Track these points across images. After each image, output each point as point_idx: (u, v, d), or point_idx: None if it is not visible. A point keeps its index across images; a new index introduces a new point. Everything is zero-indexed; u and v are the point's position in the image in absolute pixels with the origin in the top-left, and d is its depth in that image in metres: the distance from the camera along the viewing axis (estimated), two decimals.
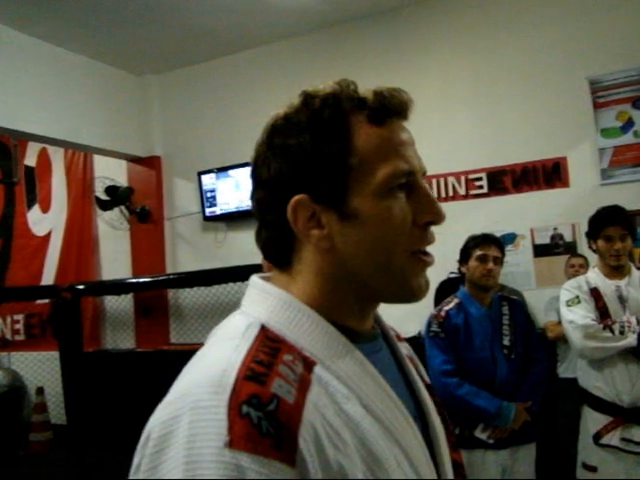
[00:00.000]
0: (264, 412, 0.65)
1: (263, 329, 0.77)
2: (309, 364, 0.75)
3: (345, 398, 0.75)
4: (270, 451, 0.63)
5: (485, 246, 3.07)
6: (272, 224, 0.85)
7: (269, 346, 0.74)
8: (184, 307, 6.41)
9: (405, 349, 1.00)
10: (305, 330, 0.79)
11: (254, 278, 0.88)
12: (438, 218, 0.84)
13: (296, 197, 0.80)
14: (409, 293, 0.85)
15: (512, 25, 5.25)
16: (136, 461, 0.70)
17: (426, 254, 0.85)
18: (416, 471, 0.79)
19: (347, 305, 0.84)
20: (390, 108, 0.83)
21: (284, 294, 0.82)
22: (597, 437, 2.86)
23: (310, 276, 0.83)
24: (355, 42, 5.74)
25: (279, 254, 0.86)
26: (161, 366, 5.70)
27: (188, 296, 6.31)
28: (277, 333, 0.77)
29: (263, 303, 0.82)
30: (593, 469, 2.88)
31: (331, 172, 0.80)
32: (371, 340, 0.88)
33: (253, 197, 0.88)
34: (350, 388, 0.76)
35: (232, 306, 5.55)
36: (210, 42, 6.00)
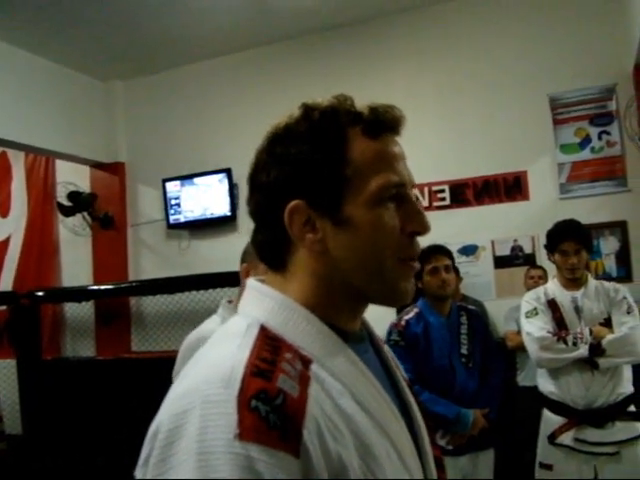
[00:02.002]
0: (272, 406, 0.69)
1: (262, 329, 0.82)
2: (306, 362, 0.79)
3: (340, 394, 0.79)
4: (277, 443, 0.67)
5: (433, 259, 3.13)
6: (268, 227, 0.90)
7: (270, 345, 0.79)
8: (146, 315, 6.35)
9: (388, 351, 1.05)
10: (302, 330, 0.83)
11: (251, 281, 0.93)
12: (424, 229, 0.90)
13: (293, 202, 0.85)
14: (397, 296, 0.91)
15: (475, 41, 5.36)
16: (144, 454, 0.73)
17: (412, 260, 0.90)
18: (403, 463, 0.84)
19: (339, 306, 0.89)
20: (384, 123, 0.89)
21: (281, 296, 0.87)
22: (552, 437, 2.99)
23: (304, 278, 0.88)
24: (320, 54, 5.79)
25: (274, 256, 0.91)
26: (122, 374, 5.67)
27: (151, 304, 6.24)
28: (275, 333, 0.82)
29: (261, 304, 0.87)
30: (549, 467, 3.01)
31: (327, 181, 0.85)
32: (360, 341, 0.93)
33: (250, 201, 0.93)
34: (344, 384, 0.81)
35: (195, 314, 5.54)
36: (177, 49, 5.99)
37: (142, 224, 6.52)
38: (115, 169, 6.57)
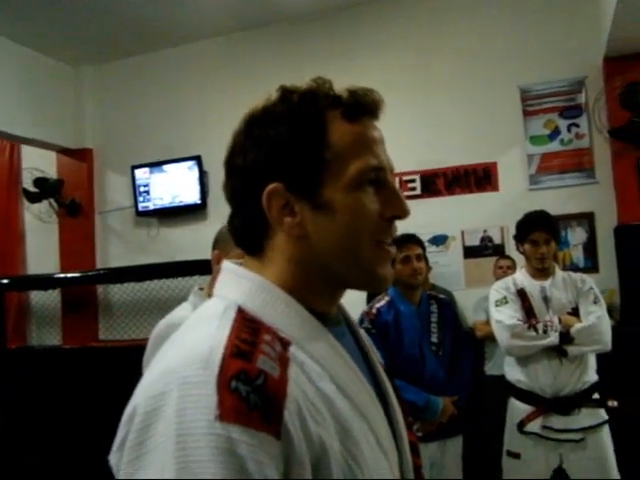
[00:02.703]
0: (252, 386, 0.68)
1: (240, 311, 0.80)
2: (285, 344, 0.78)
3: (319, 377, 0.79)
4: (259, 424, 0.66)
5: (405, 247, 3.15)
6: (245, 211, 0.89)
7: (249, 326, 0.77)
8: (114, 303, 6.28)
9: (364, 335, 1.05)
10: (280, 312, 0.82)
11: (227, 264, 0.91)
12: (403, 213, 0.89)
13: (271, 185, 0.83)
14: (375, 282, 0.90)
15: (446, 33, 5.37)
16: (119, 437, 0.72)
17: (389, 244, 0.90)
18: (380, 445, 0.84)
19: (317, 290, 0.88)
20: (363, 106, 0.88)
21: (259, 278, 0.86)
22: (520, 425, 3.02)
23: (282, 262, 0.87)
24: (292, 43, 5.76)
25: (251, 240, 0.90)
26: (89, 363, 5.61)
27: (119, 292, 6.19)
28: (253, 315, 0.80)
29: (238, 287, 0.85)
30: (517, 455, 3.04)
31: (306, 164, 0.84)
32: (337, 324, 0.92)
33: (227, 185, 0.91)
34: (323, 367, 0.80)
35: (165, 302, 5.51)
36: (147, 35, 5.91)
37: (110, 211, 6.44)
38: (83, 155, 6.48)
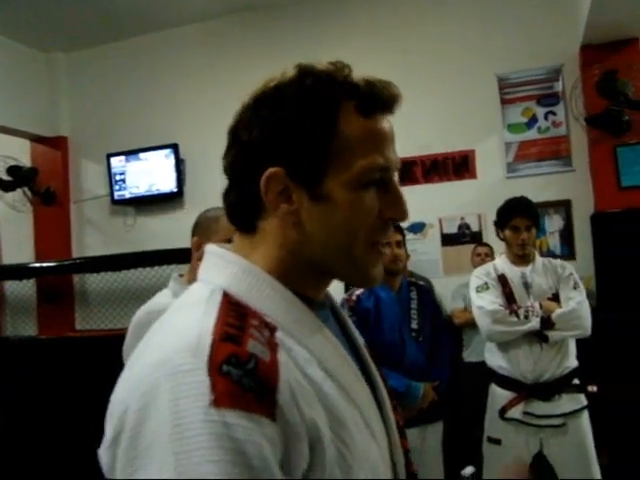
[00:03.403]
0: (244, 370, 0.67)
1: (226, 295, 0.79)
2: (271, 329, 0.77)
3: (307, 362, 0.77)
4: (253, 406, 0.65)
5: None
6: (242, 188, 0.86)
7: (235, 311, 0.76)
8: (90, 293, 6.23)
9: (347, 319, 1.04)
10: (266, 296, 0.81)
11: (212, 247, 0.89)
12: (402, 217, 0.88)
13: (272, 169, 0.81)
14: (365, 280, 0.90)
15: (424, 20, 5.38)
16: (111, 433, 0.69)
17: (383, 245, 0.89)
18: (370, 430, 0.83)
19: (305, 277, 0.86)
20: (380, 101, 0.85)
21: (244, 261, 0.84)
22: (502, 412, 3.03)
23: (272, 247, 0.85)
24: (271, 29, 5.72)
25: (245, 219, 0.88)
26: (65, 353, 5.55)
27: (95, 281, 6.13)
28: (239, 299, 0.79)
29: (223, 271, 0.83)
30: (497, 441, 3.06)
31: (312, 152, 0.81)
32: (322, 309, 0.91)
33: (227, 155, 0.88)
34: (311, 352, 0.79)
35: (142, 292, 5.47)
36: (124, 21, 5.82)
37: (86, 200, 6.37)
38: (57, 143, 6.38)
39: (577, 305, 2.98)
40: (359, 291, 3.19)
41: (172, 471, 0.61)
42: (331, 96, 0.82)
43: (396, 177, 0.89)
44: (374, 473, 0.80)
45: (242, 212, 0.88)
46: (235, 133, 0.86)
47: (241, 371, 0.66)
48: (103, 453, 0.71)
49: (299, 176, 0.82)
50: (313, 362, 0.78)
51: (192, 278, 2.15)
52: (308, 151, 0.81)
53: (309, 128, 0.81)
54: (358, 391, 0.85)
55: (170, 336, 0.73)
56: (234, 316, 0.74)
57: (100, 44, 6.29)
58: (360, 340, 1.01)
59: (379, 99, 0.85)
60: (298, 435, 0.68)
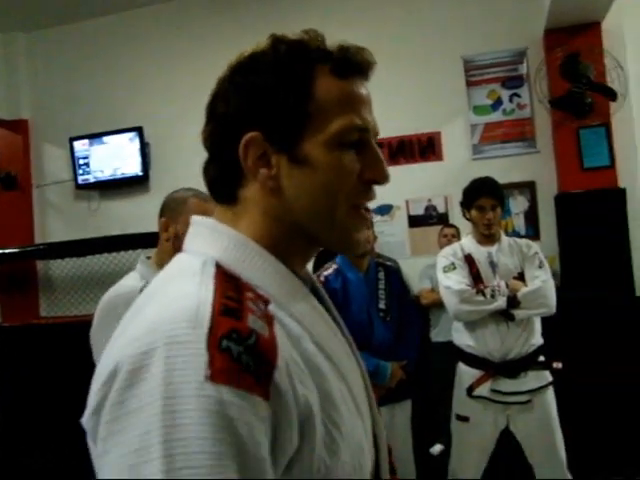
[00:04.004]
0: (244, 346, 0.66)
1: (218, 267, 0.77)
2: (264, 302, 0.76)
3: (299, 336, 0.77)
4: (250, 385, 0.64)
5: None
6: (221, 159, 0.86)
7: (231, 282, 0.75)
8: (55, 279, 6.14)
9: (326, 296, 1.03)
10: (258, 268, 0.80)
11: (198, 218, 0.88)
12: (383, 178, 0.86)
13: (250, 134, 0.81)
14: (349, 245, 0.88)
15: (391, 2, 5.37)
16: (97, 399, 0.67)
17: (366, 209, 0.88)
18: (357, 406, 0.83)
19: (289, 248, 0.86)
20: (354, 64, 0.85)
21: (234, 232, 0.83)
22: (470, 390, 3.07)
23: (256, 216, 0.84)
24: (234, 9, 5.66)
25: (225, 190, 0.87)
26: (30, 340, 5.48)
27: (59, 267, 6.04)
28: (232, 271, 0.78)
29: (213, 241, 0.82)
30: (465, 419, 3.09)
31: (288, 115, 0.81)
32: (305, 284, 0.90)
33: (205, 130, 0.88)
34: (303, 326, 0.78)
35: (108, 277, 5.41)
36: (86, 1, 5.71)
37: (48, 184, 6.26)
38: (17, 126, 6.25)
39: (542, 284, 3.02)
40: (327, 272, 3.19)
41: (159, 443, 0.60)
42: (305, 60, 0.83)
43: (377, 145, 0.89)
44: (358, 451, 0.80)
45: (222, 183, 0.87)
46: (212, 106, 0.86)
47: (241, 347, 0.65)
48: (87, 419, 0.69)
49: (277, 140, 0.81)
50: (305, 336, 0.78)
51: (160, 259, 2.14)
52: (284, 114, 0.81)
53: (284, 91, 0.81)
54: (346, 365, 0.84)
55: (167, 305, 0.70)
56: (231, 288, 0.73)
57: (61, 24, 6.16)
58: (339, 317, 1.00)
59: (354, 62, 0.85)
60: (290, 416, 0.67)
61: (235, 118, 0.82)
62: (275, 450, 0.66)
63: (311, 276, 0.99)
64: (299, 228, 0.84)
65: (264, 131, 0.81)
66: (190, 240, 0.86)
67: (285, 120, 0.81)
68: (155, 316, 0.69)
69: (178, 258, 0.84)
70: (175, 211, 2.09)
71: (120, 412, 0.63)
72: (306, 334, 0.78)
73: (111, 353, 0.70)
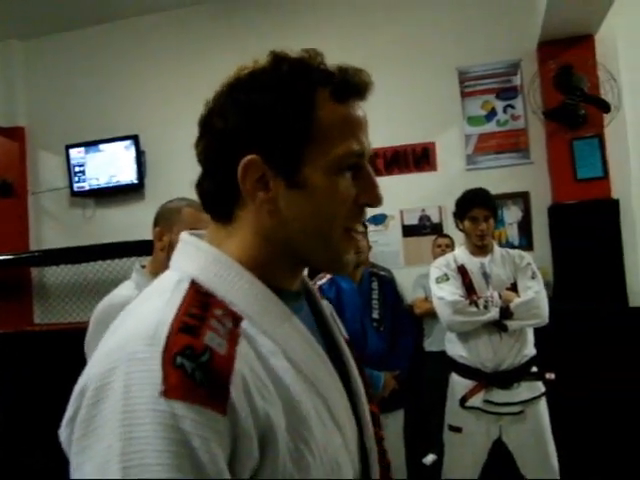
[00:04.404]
0: (197, 363, 0.67)
1: (193, 284, 0.79)
2: (237, 319, 0.77)
3: (270, 353, 0.77)
4: (204, 400, 0.65)
5: None
6: (217, 176, 0.86)
7: (200, 300, 0.76)
8: (50, 286, 6.13)
9: (327, 307, 1.04)
10: (233, 286, 0.81)
11: (185, 235, 0.89)
12: (376, 202, 0.89)
13: (249, 157, 0.81)
14: (339, 266, 0.89)
15: (387, 14, 5.40)
16: (70, 412, 0.70)
17: (357, 232, 0.90)
18: (336, 421, 0.83)
19: (277, 266, 0.87)
20: (354, 87, 0.86)
21: (215, 250, 0.84)
22: (463, 400, 3.07)
23: (248, 234, 0.85)
24: (233, 18, 5.68)
25: (220, 208, 0.87)
26: (24, 347, 5.46)
27: (54, 274, 6.03)
28: (207, 288, 0.79)
29: (194, 259, 0.84)
30: (458, 430, 3.10)
31: (290, 138, 0.81)
32: (296, 298, 0.91)
33: (199, 144, 0.88)
34: (276, 343, 0.79)
35: (102, 284, 5.40)
36: (83, 10, 5.72)
37: (44, 192, 6.26)
38: (14, 134, 6.24)
39: (535, 294, 3.03)
40: (321, 282, 3.21)
41: (117, 456, 0.62)
42: (308, 82, 0.83)
43: (371, 169, 0.90)
44: (333, 465, 0.81)
45: (218, 200, 0.87)
46: (208, 121, 0.86)
47: (194, 364, 0.67)
48: (63, 430, 0.72)
49: (276, 163, 0.82)
50: (277, 352, 0.78)
51: (154, 269, 2.15)
52: (286, 138, 0.81)
53: (287, 114, 0.81)
54: (326, 382, 0.85)
55: (132, 323, 0.73)
56: (197, 306, 0.75)
57: (58, 32, 6.17)
58: (338, 330, 1.01)
59: (353, 85, 0.85)
60: (248, 431, 0.68)
61: (233, 136, 0.82)
62: (235, 464, 0.68)
63: (309, 288, 1.00)
64: (290, 249, 0.86)
65: (263, 153, 0.81)
66: (174, 257, 0.88)
67: (286, 143, 0.81)
68: (122, 335, 0.72)
69: (162, 275, 0.86)
70: (169, 220, 2.10)
71: (88, 429, 0.66)
72: (279, 351, 0.79)
73: (86, 369, 0.73)
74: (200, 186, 0.89)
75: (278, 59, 0.84)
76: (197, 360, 0.67)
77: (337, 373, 0.90)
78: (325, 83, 0.84)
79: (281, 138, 0.81)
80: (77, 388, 0.71)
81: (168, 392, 0.64)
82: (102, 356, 0.71)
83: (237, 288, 0.81)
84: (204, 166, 0.88)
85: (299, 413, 0.77)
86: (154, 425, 0.63)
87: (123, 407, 0.64)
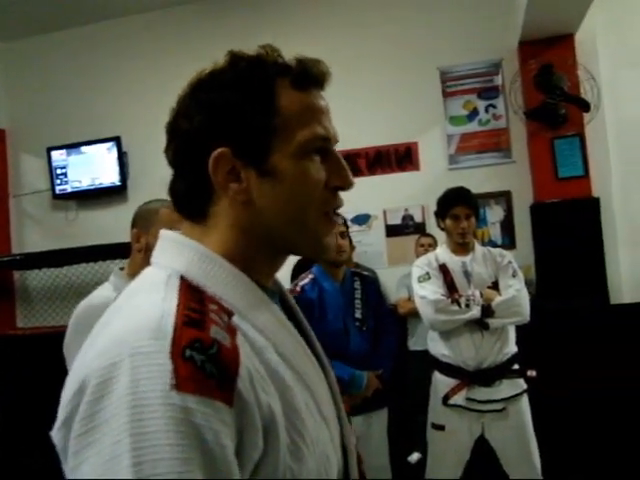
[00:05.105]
0: (207, 355, 0.67)
1: (183, 280, 0.79)
2: (228, 314, 0.78)
3: (263, 347, 0.79)
4: (214, 392, 0.66)
5: None
6: (188, 175, 0.87)
7: (195, 295, 0.77)
8: (32, 289, 6.09)
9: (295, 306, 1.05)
10: (222, 281, 0.82)
11: (166, 232, 0.89)
12: (347, 184, 0.90)
13: (219, 150, 0.82)
14: (321, 249, 0.91)
15: (368, 14, 5.41)
16: (65, 413, 0.69)
17: (336, 214, 0.91)
18: (322, 414, 0.85)
19: (258, 260, 0.88)
20: (312, 76, 0.88)
21: (200, 246, 0.84)
22: (445, 398, 3.09)
23: (225, 229, 0.86)
24: (214, 20, 5.67)
25: (194, 206, 0.88)
26: (7, 351, 5.42)
27: (37, 277, 6.00)
28: (196, 284, 0.79)
29: (179, 255, 0.84)
30: (441, 428, 3.12)
31: (255, 130, 0.83)
32: (272, 297, 0.92)
33: (169, 149, 0.89)
34: (266, 337, 0.80)
35: (85, 287, 5.36)
36: (64, 11, 5.69)
37: (25, 194, 6.22)
38: None
39: (516, 293, 3.05)
40: (303, 282, 3.20)
41: (128, 452, 0.61)
42: (266, 74, 0.85)
43: (339, 153, 0.92)
44: (324, 458, 0.82)
45: (191, 199, 0.88)
46: (175, 125, 0.88)
47: (204, 356, 0.67)
48: (56, 433, 0.71)
49: (245, 154, 0.83)
50: (269, 346, 0.79)
51: (132, 270, 2.15)
52: (251, 129, 0.83)
53: (249, 107, 0.83)
54: (313, 376, 0.87)
55: (131, 318, 0.73)
56: (195, 300, 0.75)
57: (39, 34, 6.13)
58: (309, 328, 1.02)
59: (312, 74, 0.88)
60: (253, 422, 0.69)
61: (200, 135, 0.84)
62: (241, 455, 0.68)
63: (281, 287, 1.01)
64: (268, 238, 0.87)
65: (232, 146, 0.83)
66: (157, 254, 0.88)
67: (252, 135, 0.83)
68: (121, 329, 0.71)
69: (145, 272, 0.86)
70: (147, 222, 2.10)
71: (90, 425, 0.65)
72: (269, 345, 0.80)
73: (79, 367, 0.71)
74: (173, 188, 0.90)
75: (235, 57, 0.86)
76: (206, 352, 0.67)
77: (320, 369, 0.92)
78: (284, 74, 0.86)
79: (246, 130, 0.83)
80: (72, 387, 0.69)
81: (180, 385, 0.64)
82: (100, 351, 0.69)
83: (224, 283, 0.82)
84: (175, 168, 0.89)
85: (293, 406, 0.78)
86: (166, 419, 0.62)
87: (131, 402, 0.63)
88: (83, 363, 0.71)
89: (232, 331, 0.74)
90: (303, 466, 0.76)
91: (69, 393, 0.69)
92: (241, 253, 0.86)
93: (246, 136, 0.83)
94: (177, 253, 0.85)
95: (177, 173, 0.89)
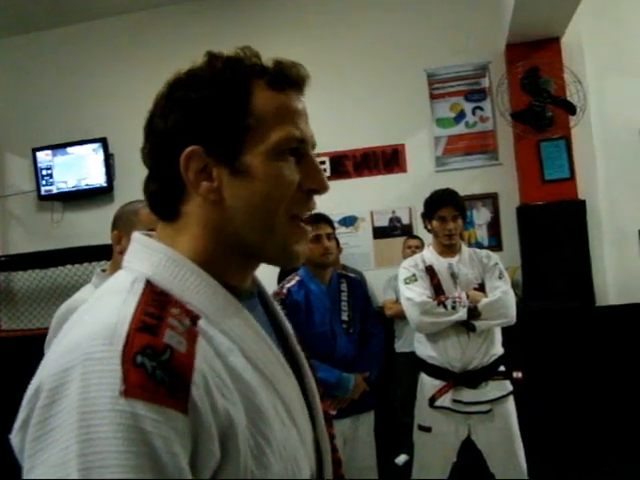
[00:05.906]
0: (158, 362, 0.67)
1: (148, 284, 0.78)
2: (194, 318, 0.77)
3: (229, 351, 0.78)
4: (165, 399, 0.65)
5: (315, 227, 3.13)
6: (162, 175, 0.86)
7: (157, 300, 0.76)
8: (17, 291, 6.04)
9: (277, 307, 1.04)
10: (189, 285, 0.81)
11: (136, 235, 0.89)
12: (322, 188, 0.89)
13: (190, 148, 0.82)
14: (287, 257, 0.89)
15: (355, 16, 5.42)
16: (22, 415, 0.69)
17: (304, 219, 0.89)
18: (293, 419, 0.84)
19: (229, 261, 0.87)
20: (289, 78, 0.87)
21: (168, 250, 0.84)
22: (432, 400, 3.09)
23: (197, 229, 0.85)
24: (201, 20, 5.66)
25: (167, 205, 0.87)
26: None
27: (21, 279, 5.95)
28: (162, 288, 0.79)
29: (147, 259, 0.83)
30: (428, 429, 3.11)
31: (227, 128, 0.83)
32: (249, 298, 0.91)
33: (144, 147, 0.88)
34: (233, 341, 0.79)
35: (71, 289, 5.32)
36: (50, 10, 5.66)
37: (10, 195, 6.17)
38: None
39: (502, 294, 3.06)
40: (289, 284, 3.19)
41: (75, 458, 0.61)
42: (241, 73, 0.84)
43: (315, 156, 0.91)
44: (292, 462, 0.81)
45: (164, 199, 0.87)
46: (151, 124, 0.87)
47: (154, 363, 0.66)
48: (14, 436, 0.71)
49: (218, 152, 0.83)
50: (235, 350, 0.79)
51: (114, 272, 2.12)
52: (224, 127, 0.83)
53: (223, 105, 0.83)
54: (281, 378, 0.86)
55: (88, 323, 0.72)
56: (154, 305, 0.74)
57: (25, 33, 6.09)
58: (290, 330, 1.01)
59: (289, 75, 0.87)
60: (209, 430, 0.68)
61: (174, 133, 0.83)
62: (196, 463, 0.67)
63: (261, 287, 1.00)
64: (239, 241, 0.85)
65: (204, 145, 0.82)
66: (128, 257, 0.87)
67: (225, 133, 0.83)
68: (77, 334, 0.71)
69: (115, 275, 0.85)
70: (128, 222, 2.09)
71: (42, 431, 0.65)
72: (236, 348, 0.79)
73: (39, 370, 0.71)
74: (147, 187, 0.89)
75: (213, 57, 0.86)
76: (157, 359, 0.67)
77: (292, 372, 0.91)
78: (260, 74, 0.85)
79: (219, 128, 0.83)
80: (30, 390, 0.69)
81: (128, 391, 0.63)
82: (56, 356, 0.69)
83: (192, 287, 0.81)
84: (149, 167, 0.89)
85: (259, 410, 0.77)
86: (114, 425, 0.62)
87: (80, 408, 0.63)
88: (42, 367, 0.71)
89: (192, 336, 0.74)
90: (267, 471, 0.76)
91: (27, 396, 0.70)
92: (211, 255, 0.85)
93: (218, 134, 0.83)
94: (146, 257, 0.84)
95: (151, 172, 0.89)
